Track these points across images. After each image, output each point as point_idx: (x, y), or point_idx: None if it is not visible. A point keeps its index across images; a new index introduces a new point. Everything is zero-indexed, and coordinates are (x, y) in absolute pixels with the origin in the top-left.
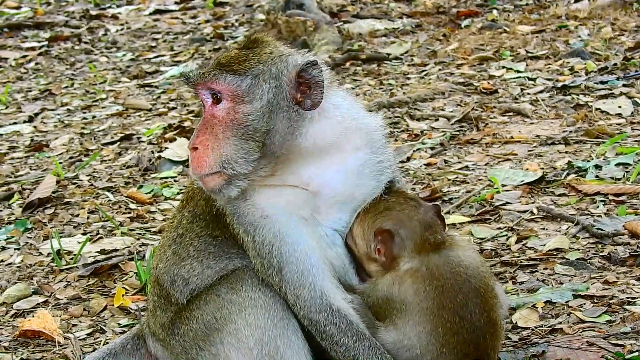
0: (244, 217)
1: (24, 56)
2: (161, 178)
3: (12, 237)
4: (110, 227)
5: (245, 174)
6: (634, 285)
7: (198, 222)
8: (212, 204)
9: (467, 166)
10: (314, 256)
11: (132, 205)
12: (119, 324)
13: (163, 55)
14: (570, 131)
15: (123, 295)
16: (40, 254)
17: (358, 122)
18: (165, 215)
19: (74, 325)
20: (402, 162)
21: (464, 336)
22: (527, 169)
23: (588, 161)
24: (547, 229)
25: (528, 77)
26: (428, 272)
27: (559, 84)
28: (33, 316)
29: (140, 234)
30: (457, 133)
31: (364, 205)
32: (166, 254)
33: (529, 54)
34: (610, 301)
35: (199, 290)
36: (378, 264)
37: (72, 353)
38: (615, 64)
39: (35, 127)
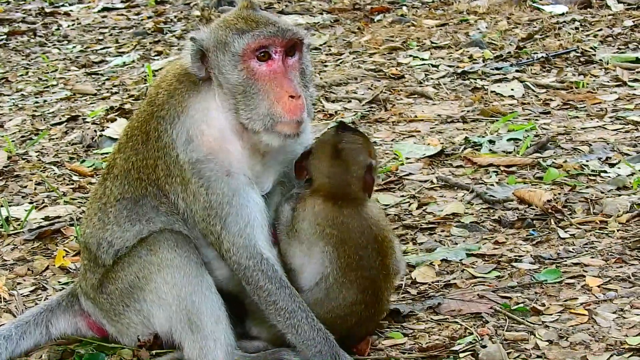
0: (208, 172)
1: None
2: (102, 153)
3: None
4: (54, 196)
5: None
6: (520, 245)
7: (116, 186)
8: (131, 160)
9: (375, 142)
10: (257, 211)
11: (75, 178)
12: (59, 282)
13: (109, 47)
14: (468, 111)
15: (64, 256)
16: None
17: None
18: None
19: (18, 284)
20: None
21: (361, 272)
22: (429, 144)
23: (483, 137)
24: (445, 196)
25: (432, 64)
26: (337, 207)
27: (459, 70)
28: None
29: (81, 202)
30: (368, 113)
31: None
32: (92, 220)
33: (433, 44)
34: (500, 259)
35: (122, 252)
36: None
37: (16, 308)
38: (510, 53)
39: None
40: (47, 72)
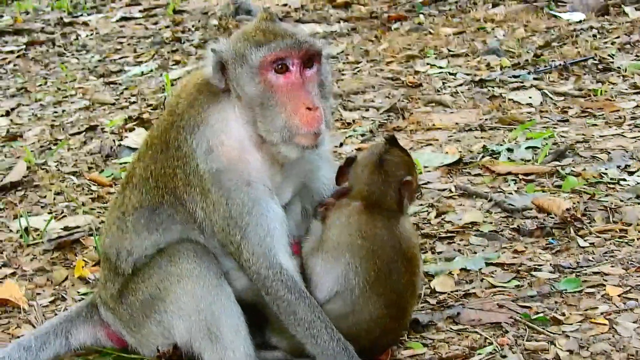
0: (227, 182)
1: (4, 58)
2: (120, 163)
3: None
4: (73, 206)
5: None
6: (540, 254)
7: (135, 194)
8: (150, 169)
9: None
10: (277, 221)
11: (94, 187)
12: (78, 292)
13: (127, 57)
14: (486, 119)
15: (83, 266)
16: (10, 231)
17: None
18: None
19: (38, 294)
20: (335, 147)
21: (390, 286)
22: (447, 153)
23: (501, 145)
24: (463, 205)
25: (449, 72)
26: (372, 219)
27: (477, 78)
28: (1, 286)
29: (100, 212)
30: (385, 122)
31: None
32: (111, 230)
33: (451, 52)
34: (519, 268)
35: (141, 261)
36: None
37: (35, 318)
38: (527, 60)
39: (11, 120)
40: (66, 82)
